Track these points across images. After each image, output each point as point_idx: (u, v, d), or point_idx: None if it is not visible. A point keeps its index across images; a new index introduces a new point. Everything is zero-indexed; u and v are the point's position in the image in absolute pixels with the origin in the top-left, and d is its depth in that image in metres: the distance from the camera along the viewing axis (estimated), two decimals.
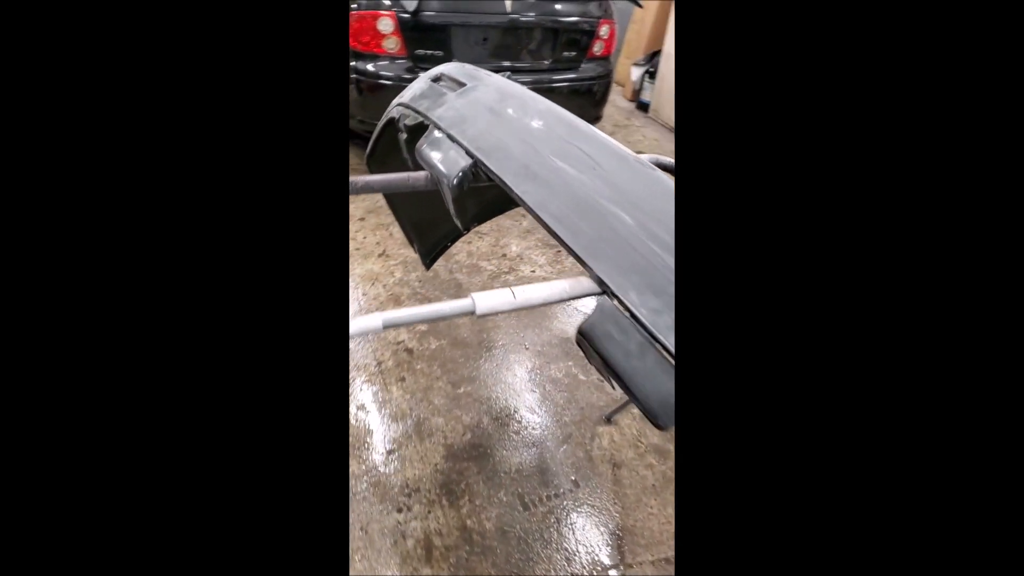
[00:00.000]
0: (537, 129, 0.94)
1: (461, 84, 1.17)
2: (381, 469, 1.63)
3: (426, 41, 2.85)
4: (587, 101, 3.38)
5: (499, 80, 1.14)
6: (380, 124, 1.32)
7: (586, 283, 0.78)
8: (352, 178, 1.01)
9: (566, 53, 3.20)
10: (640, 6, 3.80)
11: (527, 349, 2.16)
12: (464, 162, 0.96)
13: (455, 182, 0.96)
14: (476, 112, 1.04)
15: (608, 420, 1.88)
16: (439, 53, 2.90)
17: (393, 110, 1.27)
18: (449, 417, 1.83)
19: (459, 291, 2.45)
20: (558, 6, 3.09)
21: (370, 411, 1.82)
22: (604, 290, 0.72)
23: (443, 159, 0.99)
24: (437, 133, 1.05)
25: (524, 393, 1.95)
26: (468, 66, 1.27)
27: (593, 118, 3.51)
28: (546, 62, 3.17)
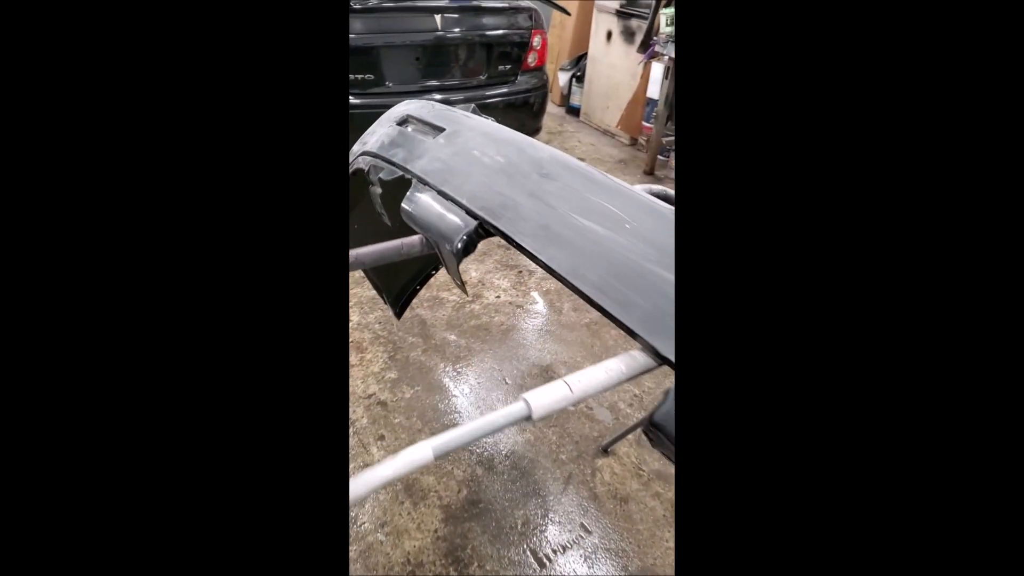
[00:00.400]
0: (545, 181, 0.84)
1: (436, 128, 1.05)
2: (376, 546, 1.48)
3: (355, 65, 2.69)
4: (525, 114, 3.30)
5: (481, 122, 1.03)
6: None
7: (641, 358, 0.68)
8: None
9: (501, 67, 3.12)
10: (567, 13, 3.77)
11: (507, 384, 2.05)
12: (467, 224, 0.84)
13: (459, 247, 0.84)
14: (467, 163, 0.92)
15: (605, 451, 1.80)
16: (370, 77, 2.74)
17: (358, 160, 1.13)
18: (440, 474, 1.69)
19: (424, 328, 2.31)
20: (488, 19, 2.99)
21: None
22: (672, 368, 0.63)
23: (441, 221, 0.88)
24: (424, 189, 0.93)
25: (514, 435, 1.84)
26: (438, 105, 1.16)
27: (533, 130, 3.44)
28: (482, 77, 3.07)
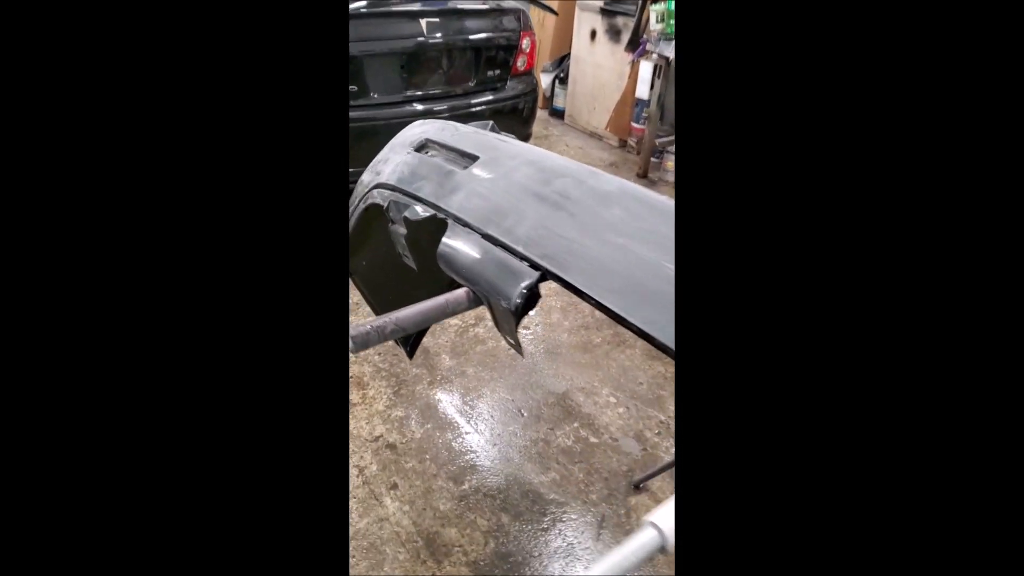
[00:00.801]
0: (620, 221, 0.70)
1: (466, 155, 0.90)
2: None
3: None
4: (515, 120, 3.15)
5: (522, 147, 0.89)
6: (354, 215, 1.02)
7: None
8: (380, 320, 0.72)
9: (490, 72, 2.97)
10: (555, 13, 3.64)
11: (524, 416, 1.91)
12: (526, 276, 0.70)
13: (519, 303, 0.70)
14: (515, 200, 0.78)
15: (637, 487, 1.67)
16: (353, 88, 2.56)
17: (372, 194, 0.98)
18: (462, 524, 1.54)
19: (427, 358, 2.15)
20: (475, 23, 2.84)
21: (365, 536, 1.50)
22: None
23: (492, 272, 0.73)
24: (465, 232, 0.78)
25: (538, 475, 1.70)
26: (460, 126, 1.01)
27: (523, 137, 3.29)
28: (470, 84, 2.92)
